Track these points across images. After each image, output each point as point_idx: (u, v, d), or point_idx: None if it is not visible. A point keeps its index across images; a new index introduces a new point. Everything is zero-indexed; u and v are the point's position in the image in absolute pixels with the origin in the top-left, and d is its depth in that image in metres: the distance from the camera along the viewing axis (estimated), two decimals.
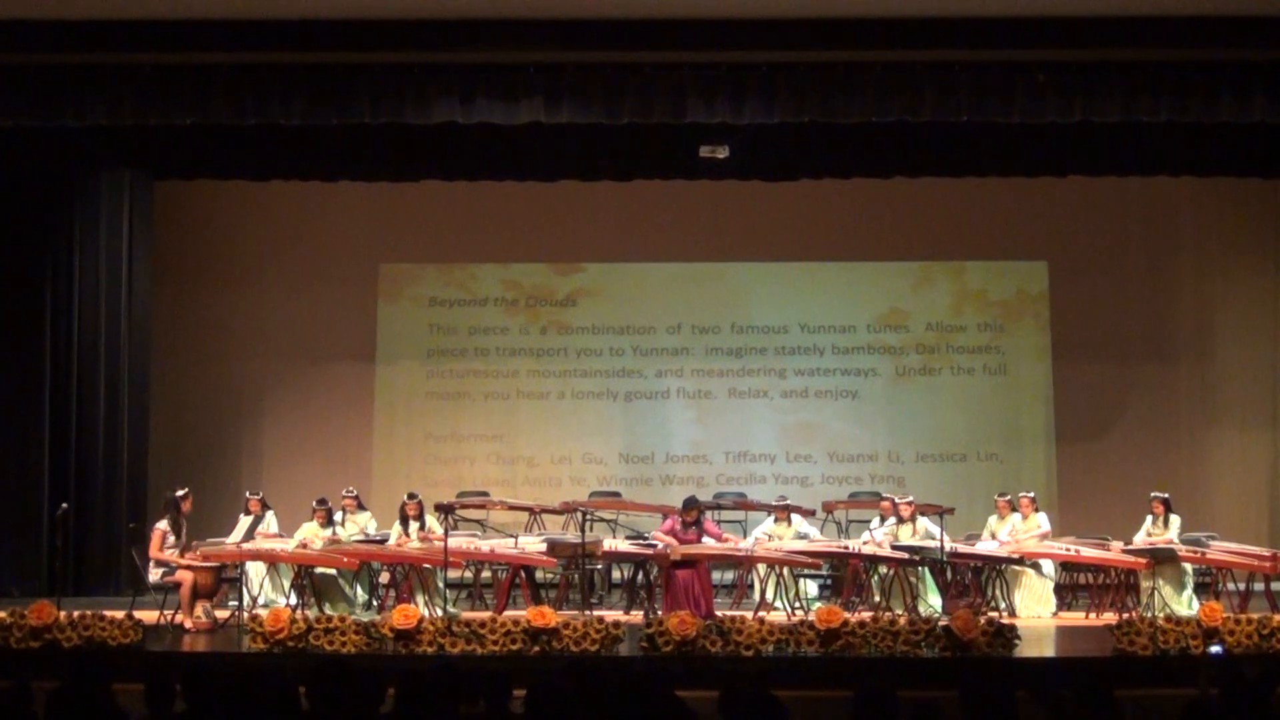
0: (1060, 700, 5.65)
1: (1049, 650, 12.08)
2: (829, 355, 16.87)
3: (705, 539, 12.82)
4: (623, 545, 13.49)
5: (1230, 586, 13.45)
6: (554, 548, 13.21)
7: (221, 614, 12.63)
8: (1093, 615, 13.26)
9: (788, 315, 16.91)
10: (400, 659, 10.76)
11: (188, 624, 12.27)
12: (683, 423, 16.93)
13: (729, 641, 10.87)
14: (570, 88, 12.92)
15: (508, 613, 12.16)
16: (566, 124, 13.23)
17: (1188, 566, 13.23)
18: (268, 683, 5.86)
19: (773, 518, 14.04)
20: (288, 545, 13.14)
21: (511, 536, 13.67)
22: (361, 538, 13.51)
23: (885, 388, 16.86)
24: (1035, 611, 13.38)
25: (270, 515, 13.80)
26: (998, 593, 13.55)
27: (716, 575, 13.94)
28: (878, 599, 13.18)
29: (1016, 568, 13.51)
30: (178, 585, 12.39)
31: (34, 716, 5.74)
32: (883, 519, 13.83)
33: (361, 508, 13.97)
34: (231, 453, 16.65)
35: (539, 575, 13.79)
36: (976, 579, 13.82)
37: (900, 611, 12.56)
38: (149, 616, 12.11)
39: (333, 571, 12.99)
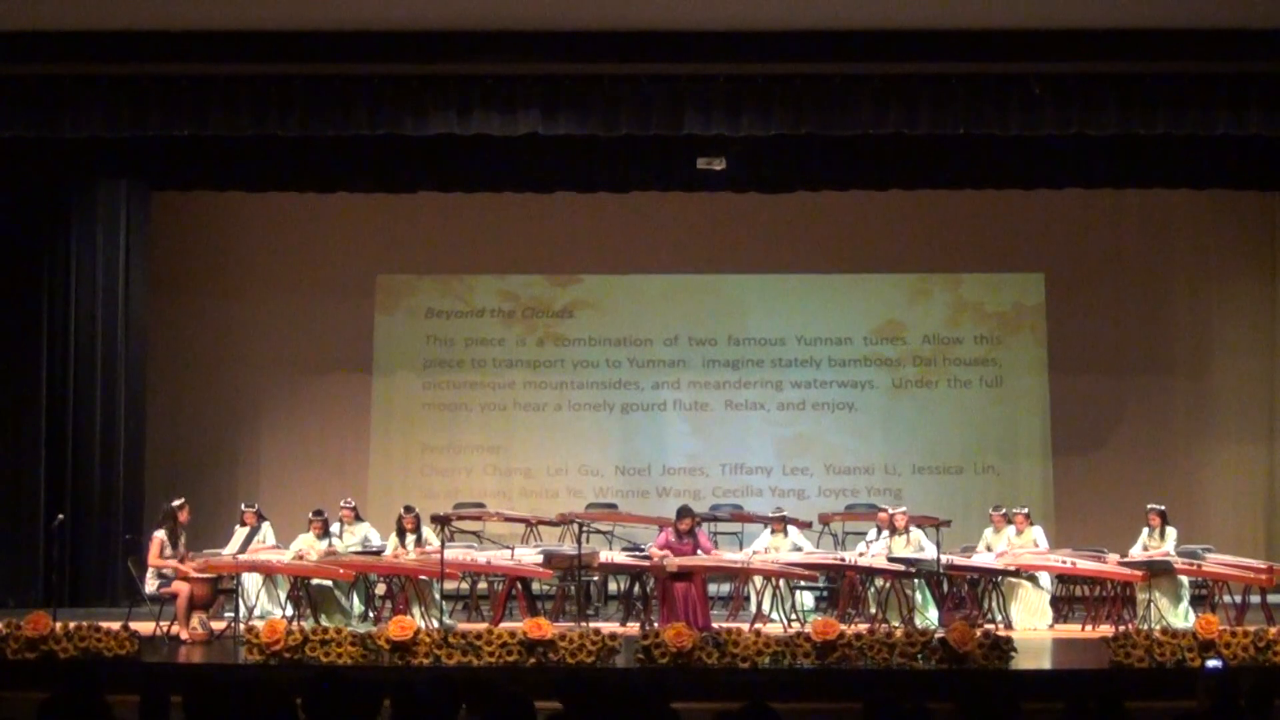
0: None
1: (1045, 663, 12.07)
2: (825, 367, 16.86)
3: (698, 552, 12.81)
4: (619, 557, 13.50)
5: (1226, 599, 13.45)
6: (550, 559, 13.20)
7: (218, 625, 12.61)
8: (1089, 628, 13.26)
9: (784, 327, 16.90)
10: (396, 670, 10.75)
11: (184, 635, 12.25)
12: (679, 435, 16.92)
13: (725, 654, 10.86)
14: (567, 99, 12.94)
15: (504, 624, 12.16)
16: (564, 135, 13.25)
17: (1184, 579, 13.24)
18: (264, 694, 5.85)
19: (769, 530, 14.04)
20: (284, 556, 13.13)
21: (508, 548, 13.66)
22: (360, 549, 13.52)
23: (882, 400, 16.85)
24: (1032, 624, 13.38)
25: (266, 526, 13.79)
26: (994, 605, 13.55)
27: (713, 587, 13.93)
28: (874, 611, 13.19)
29: (1013, 580, 13.52)
30: (174, 596, 12.37)
31: None
32: (879, 531, 13.85)
33: (359, 519, 13.98)
34: (228, 464, 16.64)
35: (535, 587, 13.77)
36: (973, 591, 13.83)
37: (897, 624, 12.57)
38: (145, 628, 12.11)
39: (329, 583, 12.99)
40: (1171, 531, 13.45)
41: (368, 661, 10.96)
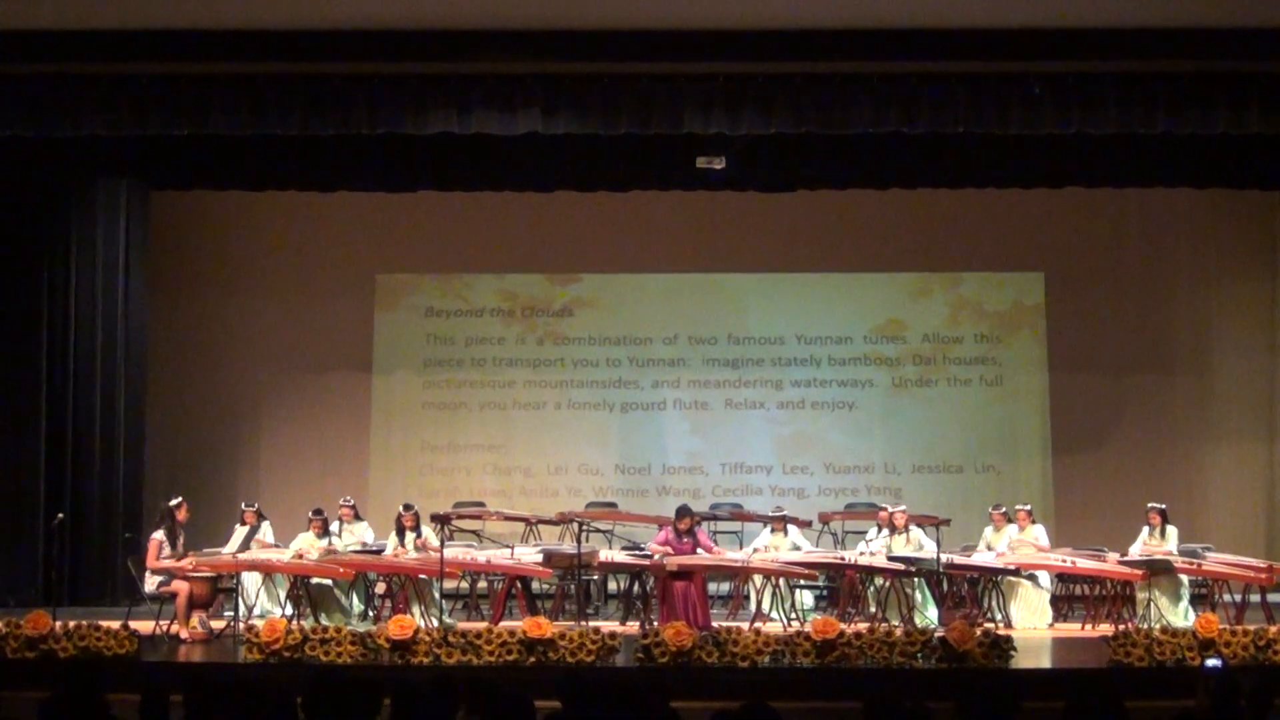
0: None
1: (1045, 662, 12.07)
2: (825, 366, 16.87)
3: (698, 551, 12.81)
4: (619, 556, 13.49)
5: (1226, 598, 13.45)
6: (550, 558, 13.20)
7: (217, 624, 12.61)
8: (1089, 627, 13.26)
9: (784, 326, 16.91)
10: (396, 669, 10.75)
11: (184, 634, 12.25)
12: (679, 434, 16.92)
13: (725, 653, 10.85)
14: (567, 98, 12.94)
15: (504, 623, 12.16)
16: (564, 135, 13.26)
17: (1184, 578, 13.23)
18: (264, 693, 5.85)
19: (769, 529, 14.04)
20: (284, 555, 13.13)
21: (508, 547, 13.67)
22: (359, 548, 13.53)
23: (882, 399, 16.86)
24: (1031, 623, 13.37)
25: (266, 525, 13.79)
26: (994, 604, 13.55)
27: (713, 586, 13.94)
28: (874, 610, 13.19)
29: (1013, 579, 13.51)
30: (174, 595, 12.37)
31: None
32: (879, 530, 13.85)
33: (358, 518, 13.99)
34: (228, 463, 16.65)
35: (535, 586, 13.77)
36: (973, 590, 13.83)
37: (896, 623, 12.56)
38: (145, 627, 12.11)
39: (329, 582, 12.99)
40: (1172, 530, 13.45)
41: (367, 661, 10.96)
